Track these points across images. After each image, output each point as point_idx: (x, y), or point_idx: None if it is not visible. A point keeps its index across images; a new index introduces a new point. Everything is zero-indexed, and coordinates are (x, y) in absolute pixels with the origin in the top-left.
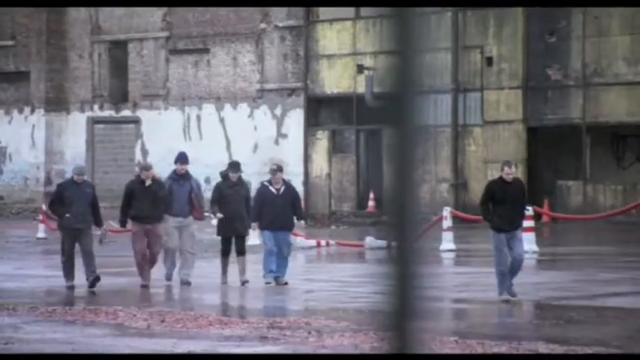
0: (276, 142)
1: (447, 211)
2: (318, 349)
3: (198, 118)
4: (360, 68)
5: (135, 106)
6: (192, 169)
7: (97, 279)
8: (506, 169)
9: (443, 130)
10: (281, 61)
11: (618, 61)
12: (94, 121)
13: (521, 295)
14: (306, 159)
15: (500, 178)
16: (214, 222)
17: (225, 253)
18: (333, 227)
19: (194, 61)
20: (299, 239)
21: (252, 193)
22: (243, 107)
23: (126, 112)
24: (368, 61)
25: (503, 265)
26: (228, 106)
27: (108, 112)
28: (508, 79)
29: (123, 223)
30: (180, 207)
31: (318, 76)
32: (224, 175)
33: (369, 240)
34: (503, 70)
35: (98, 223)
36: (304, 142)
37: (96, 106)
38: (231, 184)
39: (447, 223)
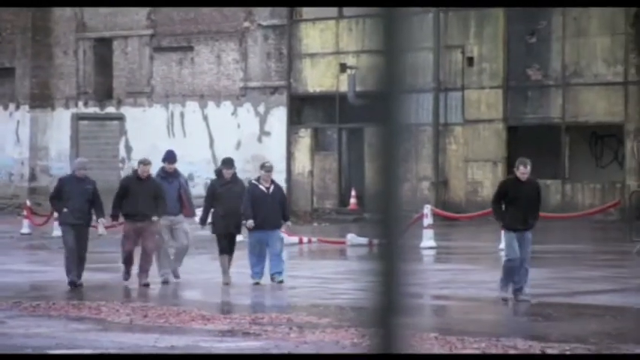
0: (259, 140)
1: (427, 209)
2: (300, 345)
3: (182, 115)
4: (343, 67)
5: (119, 103)
6: (176, 166)
7: (79, 285)
8: (521, 168)
9: (424, 128)
10: (264, 60)
11: (597, 61)
12: (78, 118)
13: (498, 293)
14: (289, 156)
15: (515, 177)
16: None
17: (223, 252)
18: (315, 224)
19: (178, 58)
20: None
21: None
22: (227, 105)
23: (110, 109)
24: (350, 60)
25: (512, 260)
26: (211, 104)
27: (92, 109)
28: (489, 79)
29: (115, 217)
30: (171, 205)
31: (301, 75)
32: (218, 172)
33: (351, 237)
34: (484, 69)
35: (98, 215)
36: (287, 140)
37: (80, 103)
38: (224, 181)
39: (428, 220)
